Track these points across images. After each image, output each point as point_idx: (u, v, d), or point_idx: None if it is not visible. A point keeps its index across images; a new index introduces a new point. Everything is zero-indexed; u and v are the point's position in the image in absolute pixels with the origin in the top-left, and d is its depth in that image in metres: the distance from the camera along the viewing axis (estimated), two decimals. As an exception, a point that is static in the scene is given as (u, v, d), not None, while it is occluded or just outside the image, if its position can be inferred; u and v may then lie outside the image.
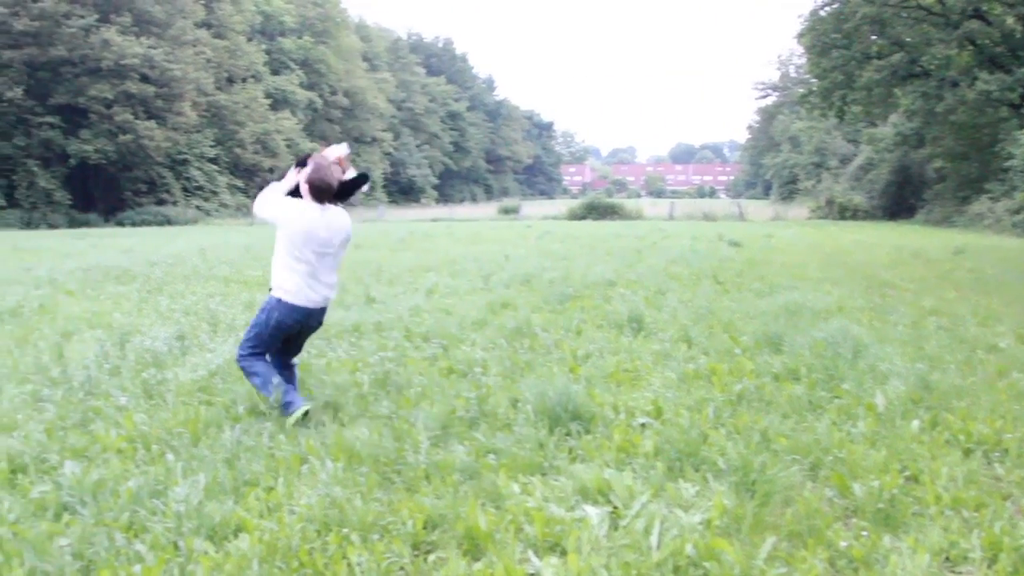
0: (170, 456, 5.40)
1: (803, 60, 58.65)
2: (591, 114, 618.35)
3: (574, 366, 7.68)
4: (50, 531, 4.31)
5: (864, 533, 4.22)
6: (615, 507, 4.51)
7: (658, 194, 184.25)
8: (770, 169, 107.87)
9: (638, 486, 4.74)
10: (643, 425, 5.91)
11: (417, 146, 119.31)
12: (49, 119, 59.28)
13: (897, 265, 18.70)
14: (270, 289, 6.59)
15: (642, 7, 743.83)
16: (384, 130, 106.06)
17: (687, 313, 10.88)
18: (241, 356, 6.55)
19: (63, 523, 4.46)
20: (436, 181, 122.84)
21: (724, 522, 4.30)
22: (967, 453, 5.41)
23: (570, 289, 13.34)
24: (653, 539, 4.07)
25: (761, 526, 4.29)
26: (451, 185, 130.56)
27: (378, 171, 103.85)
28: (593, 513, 4.36)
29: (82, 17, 58.88)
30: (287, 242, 6.41)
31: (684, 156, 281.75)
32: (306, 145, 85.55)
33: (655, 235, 31.33)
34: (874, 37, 34.34)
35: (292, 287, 6.39)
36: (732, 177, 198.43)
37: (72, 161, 60.09)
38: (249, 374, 6.52)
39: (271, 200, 6.57)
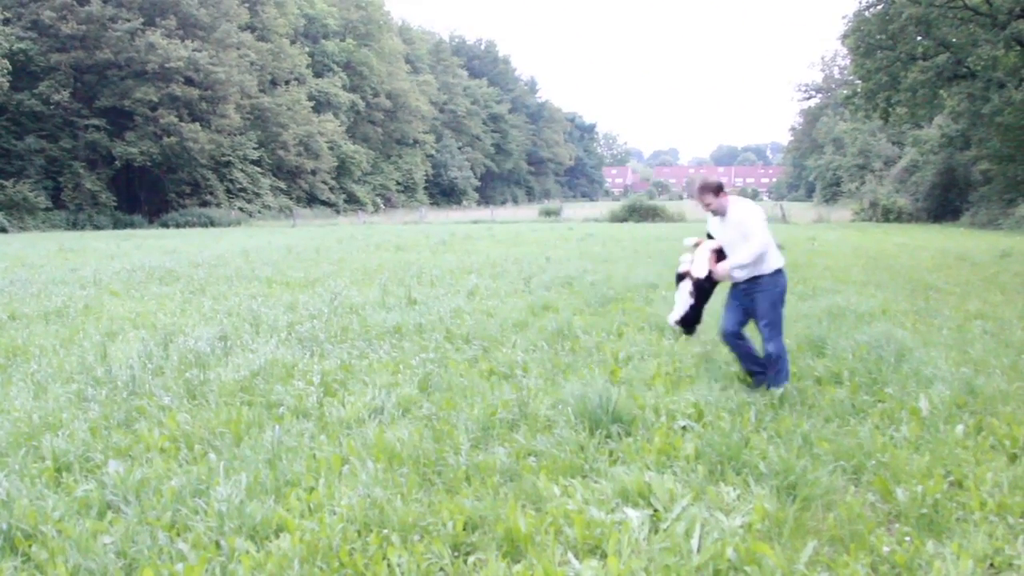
0: (212, 456, 5.43)
1: (847, 61, 58.22)
2: (633, 116, 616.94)
3: (615, 369, 7.66)
4: (94, 529, 4.35)
5: (907, 538, 4.19)
6: (655, 510, 4.50)
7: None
8: (813, 171, 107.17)
9: (679, 489, 4.72)
10: (684, 428, 5.88)
11: (459, 148, 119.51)
12: (95, 122, 59.95)
13: (942, 268, 18.50)
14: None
15: (686, 9, 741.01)
16: (426, 132, 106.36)
17: (729, 316, 10.83)
18: (781, 346, 6.98)
19: (107, 521, 4.51)
20: (477, 183, 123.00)
21: (765, 526, 4.28)
22: (1013, 458, 5.34)
23: (611, 291, 13.30)
24: (694, 542, 4.06)
25: (802, 530, 4.26)
26: (492, 187, 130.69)
27: (420, 173, 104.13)
28: (633, 516, 4.34)
29: (128, 20, 59.50)
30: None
31: (726, 158, 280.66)
32: (348, 147, 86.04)
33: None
34: (919, 38, 34.02)
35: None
36: (775, 179, 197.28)
37: (117, 163, 60.72)
38: (783, 359, 6.95)
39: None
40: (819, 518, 4.42)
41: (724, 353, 8.44)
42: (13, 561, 4.11)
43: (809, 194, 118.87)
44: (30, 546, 4.22)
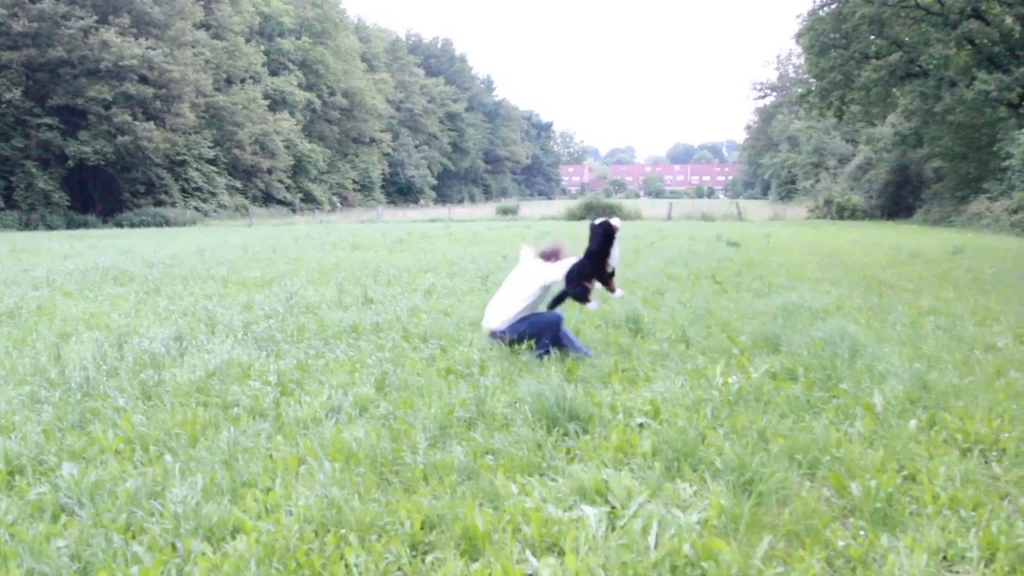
0: (168, 457, 5.40)
1: (802, 60, 58.83)
2: (590, 115, 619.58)
3: (572, 366, 7.68)
4: (48, 532, 4.32)
5: (862, 532, 4.22)
6: (613, 507, 4.51)
7: (656, 194, 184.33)
8: (768, 169, 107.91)
9: (636, 486, 4.74)
10: (641, 425, 5.91)
11: (416, 146, 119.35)
12: (48, 120, 59.33)
13: (895, 265, 18.70)
14: None
15: (641, 8, 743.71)
16: (382, 130, 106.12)
17: (685, 313, 10.88)
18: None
19: (61, 524, 4.47)
20: (434, 182, 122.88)
21: (721, 522, 4.30)
22: (965, 453, 5.41)
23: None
24: (651, 539, 4.08)
25: (758, 526, 4.29)
26: (449, 185, 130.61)
27: (376, 172, 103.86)
28: (591, 513, 4.36)
29: (81, 18, 58.95)
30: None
31: (682, 156, 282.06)
32: (304, 146, 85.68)
33: (653, 235, 31.37)
34: (873, 37, 34.40)
35: None
36: (730, 177, 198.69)
37: (71, 162, 60.15)
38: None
39: None
40: (775, 513, 4.46)
41: (680, 351, 8.50)
42: (-35, 565, 4.06)
43: (765, 192, 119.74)
44: (-18, 551, 4.17)
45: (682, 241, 27.53)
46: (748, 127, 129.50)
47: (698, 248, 23.63)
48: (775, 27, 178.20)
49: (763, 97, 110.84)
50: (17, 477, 5.22)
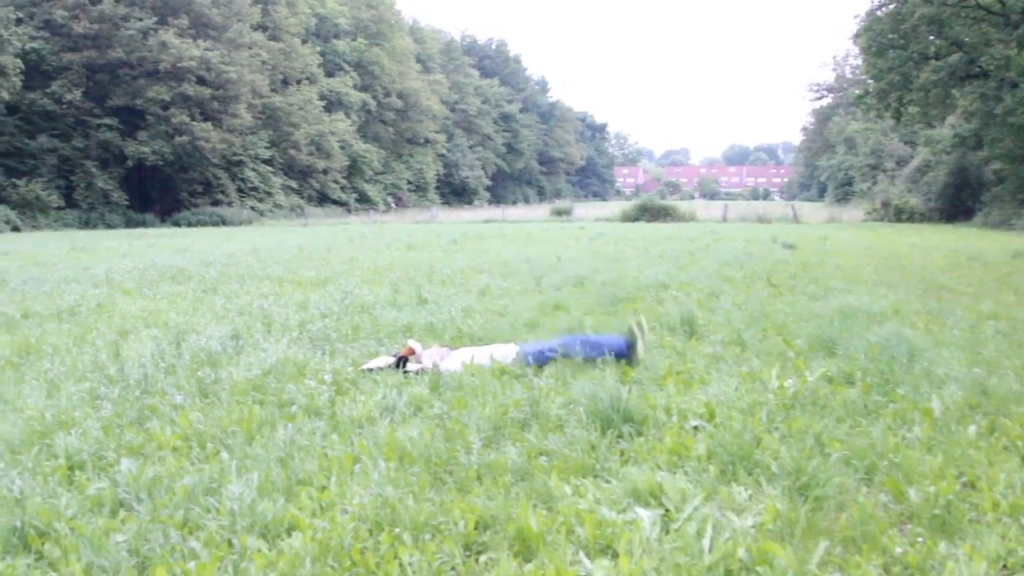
0: (224, 454, 5.44)
1: (859, 61, 58.19)
2: (645, 116, 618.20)
3: (626, 368, 7.65)
4: (106, 527, 4.36)
5: (920, 539, 4.16)
6: (667, 510, 4.48)
7: (711, 196, 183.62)
8: (825, 171, 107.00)
9: (690, 489, 4.70)
10: (695, 428, 5.87)
11: (470, 147, 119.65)
12: (107, 121, 60.20)
13: (954, 268, 18.45)
14: None
15: (698, 8, 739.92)
16: (437, 131, 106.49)
17: (740, 316, 10.80)
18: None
19: (119, 519, 4.51)
20: (489, 182, 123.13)
21: (777, 526, 4.26)
22: (1025, 459, 5.33)
23: (622, 291, 13.29)
24: (705, 542, 4.05)
25: (814, 531, 4.24)
26: (504, 186, 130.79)
27: (431, 172, 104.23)
28: (645, 516, 4.33)
29: (140, 20, 59.74)
30: None
31: (738, 158, 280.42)
32: (360, 147, 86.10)
33: (708, 237, 31.17)
34: (932, 37, 34.01)
35: None
36: (786, 179, 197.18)
37: (129, 162, 60.98)
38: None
39: None
40: (831, 518, 4.41)
41: (735, 353, 8.44)
42: (26, 559, 4.11)
43: (821, 194, 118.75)
44: (43, 544, 4.22)
45: (737, 243, 27.34)
46: (804, 128, 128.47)
47: (753, 250, 23.45)
48: (832, 28, 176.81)
49: (820, 98, 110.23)
50: (77, 472, 5.29)
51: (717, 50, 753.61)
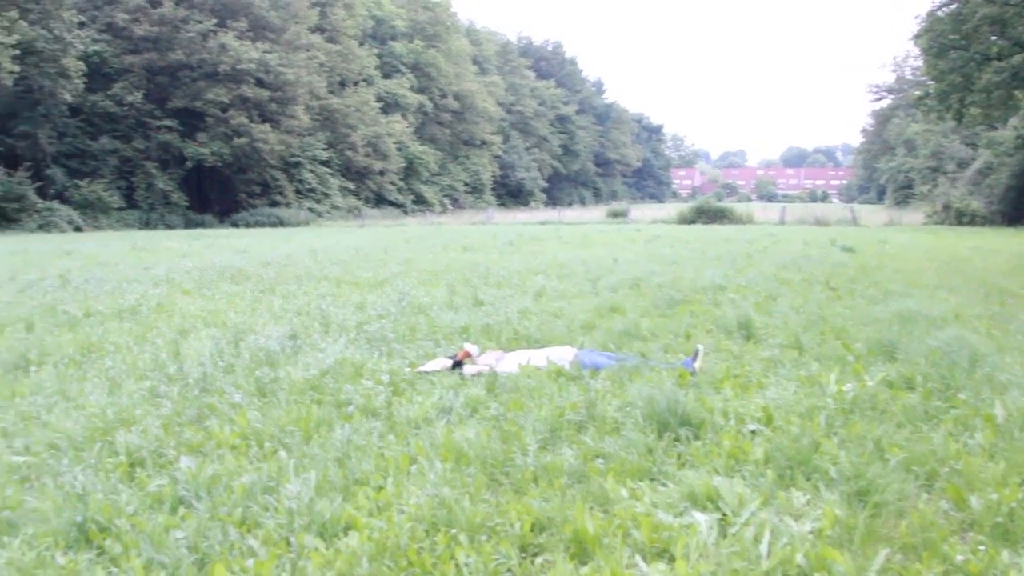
0: (282, 453, 5.49)
1: (919, 62, 57.54)
2: (701, 117, 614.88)
3: (683, 371, 7.62)
4: (167, 524, 4.41)
5: (981, 547, 4.10)
6: (724, 514, 4.46)
7: (769, 198, 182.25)
8: (884, 173, 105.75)
9: (748, 494, 4.67)
10: (753, 432, 5.83)
11: (526, 149, 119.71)
12: (167, 122, 60.95)
13: (1017, 272, 18.18)
14: None
15: (755, 8, 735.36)
16: (493, 133, 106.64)
17: (798, 319, 10.72)
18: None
19: (179, 516, 4.57)
20: (545, 184, 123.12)
21: (836, 532, 4.22)
22: (1091, 467, 5.24)
23: (679, 294, 13.23)
24: (763, 547, 4.02)
25: (874, 537, 4.20)
26: (560, 188, 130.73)
27: (487, 174, 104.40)
28: (702, 520, 4.31)
29: (200, 22, 60.41)
30: None
31: (796, 160, 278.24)
32: (416, 148, 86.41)
33: (765, 240, 30.94)
34: (994, 38, 33.49)
35: None
36: (845, 181, 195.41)
37: (189, 163, 61.70)
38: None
39: None
40: (891, 525, 4.36)
41: (793, 357, 8.38)
42: (88, 554, 4.18)
43: (880, 196, 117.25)
44: (104, 539, 4.28)
45: (795, 246, 27.12)
46: (864, 130, 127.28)
47: (811, 253, 23.25)
48: (893, 28, 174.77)
49: (879, 99, 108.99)
50: (138, 469, 5.36)
51: (775, 51, 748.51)
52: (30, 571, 3.96)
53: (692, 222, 53.48)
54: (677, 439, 5.68)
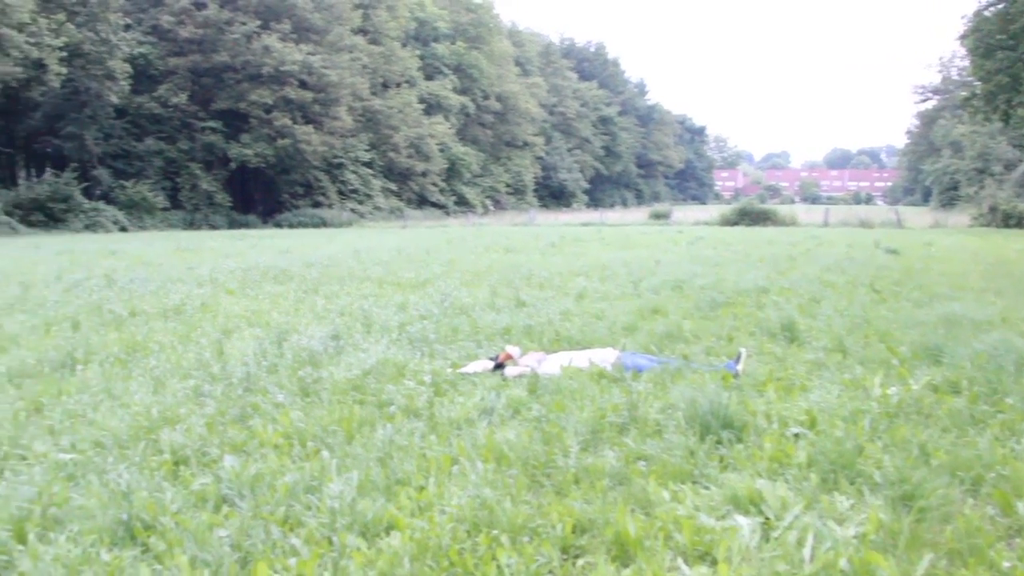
0: (325, 453, 5.51)
1: (966, 62, 56.92)
2: (744, 118, 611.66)
3: (726, 374, 7.58)
4: (210, 522, 4.44)
5: (1029, 554, 4.07)
6: (767, 518, 4.43)
7: (812, 200, 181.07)
8: (930, 175, 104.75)
9: (791, 497, 4.65)
10: (796, 435, 5.79)
11: (568, 150, 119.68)
12: (211, 124, 61.47)
13: (1065, 275, 17.97)
14: None
15: (798, 9, 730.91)
16: (536, 134, 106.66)
17: (842, 322, 10.63)
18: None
19: (222, 515, 4.60)
20: (587, 185, 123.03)
21: (880, 537, 4.19)
22: None
23: (721, 296, 13.17)
24: (806, 551, 3.99)
25: (919, 543, 4.16)
26: (602, 189, 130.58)
27: (529, 175, 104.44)
28: (744, 523, 4.29)
29: (244, 24, 60.84)
30: None
31: (840, 161, 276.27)
32: (458, 149, 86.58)
33: (809, 242, 30.75)
34: (1042, 38, 33.11)
35: None
36: (890, 183, 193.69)
37: (233, 164, 62.17)
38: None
39: None
40: (936, 531, 4.32)
41: (837, 360, 8.31)
42: (133, 551, 4.21)
43: (925, 198, 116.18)
44: (149, 536, 4.32)
45: (839, 248, 26.94)
46: (909, 131, 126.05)
47: (855, 255, 23.09)
48: (939, 28, 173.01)
49: (925, 100, 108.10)
50: (182, 467, 5.40)
51: (819, 51, 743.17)
52: (76, 567, 3.99)
53: (735, 224, 53.24)
54: (719, 442, 5.65)
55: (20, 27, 46.24)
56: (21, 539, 4.34)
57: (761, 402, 6.57)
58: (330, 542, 4.25)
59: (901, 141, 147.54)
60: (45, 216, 51.04)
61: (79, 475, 5.26)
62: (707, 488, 4.89)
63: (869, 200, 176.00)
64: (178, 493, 4.88)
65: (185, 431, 6.00)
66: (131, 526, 4.42)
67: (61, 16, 50.72)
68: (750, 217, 54.58)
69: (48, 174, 53.79)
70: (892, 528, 4.25)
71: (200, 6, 61.20)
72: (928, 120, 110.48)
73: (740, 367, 7.72)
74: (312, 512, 4.57)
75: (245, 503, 4.71)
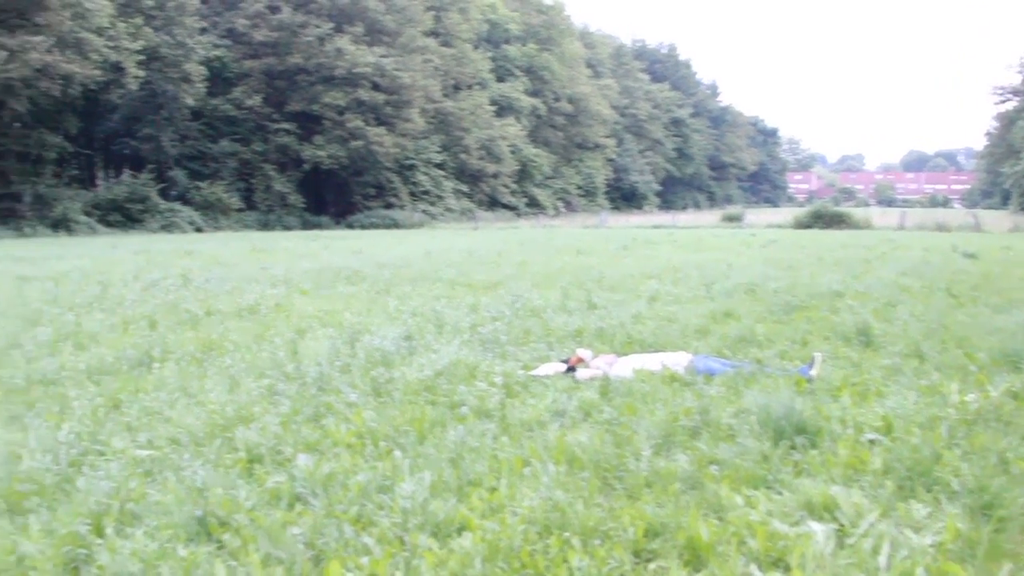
0: (397, 453, 5.54)
1: (1048, 63, 55.84)
2: (818, 120, 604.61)
3: (800, 379, 7.51)
4: (284, 520, 4.49)
5: (1114, 566, 3.98)
6: (841, 525, 4.38)
7: (888, 203, 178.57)
8: (1009, 178, 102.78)
9: (866, 504, 4.58)
10: (872, 441, 5.71)
11: (640, 152, 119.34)
12: (285, 125, 62.13)
13: None
14: None
15: (875, 7, 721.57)
16: (607, 136, 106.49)
17: (919, 327, 10.47)
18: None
19: (296, 513, 4.64)
20: (658, 188, 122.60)
21: (957, 546, 4.12)
22: None
23: (795, 299, 13.04)
24: (882, 560, 3.94)
25: (998, 553, 4.08)
26: (673, 192, 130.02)
27: (600, 177, 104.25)
28: (819, 530, 4.24)
29: (317, 27, 61.46)
30: None
31: (916, 164, 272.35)
32: (530, 151, 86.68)
33: (884, 245, 30.35)
34: None
35: None
36: (967, 186, 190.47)
37: (306, 166, 62.81)
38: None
39: None
40: (1016, 540, 4.24)
41: (914, 366, 8.19)
42: (208, 547, 4.26)
43: (1004, 202, 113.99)
44: (224, 533, 4.37)
45: (915, 252, 26.56)
46: (988, 133, 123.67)
47: (932, 259, 22.75)
48: (1019, 28, 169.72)
49: (1004, 102, 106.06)
50: (256, 465, 5.46)
51: (895, 52, 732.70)
52: (152, 562, 4.04)
53: (808, 227, 52.68)
54: (793, 447, 5.60)
55: (99, 31, 47.19)
56: (99, 533, 4.41)
57: (836, 407, 6.48)
58: (402, 542, 4.27)
59: (979, 143, 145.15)
60: (123, 216, 51.97)
61: (156, 471, 5.34)
62: (780, 493, 4.84)
63: (946, 203, 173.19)
64: (252, 491, 4.93)
65: (260, 429, 6.06)
66: (206, 522, 4.47)
67: (139, 20, 51.63)
68: (824, 220, 53.96)
69: (126, 175, 54.83)
70: (970, 537, 4.18)
71: (274, 9, 61.88)
72: (1008, 122, 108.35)
73: (814, 372, 7.64)
74: (384, 511, 4.59)
75: (318, 501, 4.75)
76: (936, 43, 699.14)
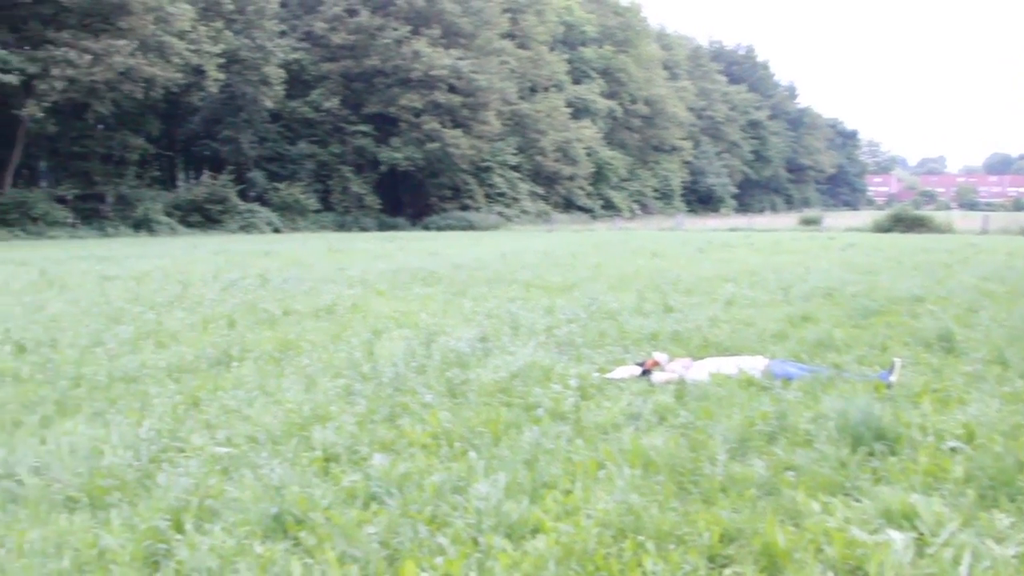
0: (472, 454, 5.55)
1: None
2: (898, 122, 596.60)
3: (879, 384, 7.40)
4: (359, 519, 4.52)
5: None
6: (921, 534, 4.30)
7: (970, 206, 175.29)
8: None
9: (947, 513, 4.50)
10: (953, 449, 5.61)
11: (716, 154, 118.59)
12: (362, 127, 62.68)
13: None
14: None
15: (957, 8, 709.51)
16: (683, 138, 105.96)
17: (1002, 333, 10.25)
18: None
19: (371, 512, 4.67)
20: (735, 190, 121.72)
21: (1043, 558, 4.03)
22: None
23: (874, 304, 12.85)
24: (963, 570, 3.87)
25: (1085, 565, 3.99)
26: (750, 194, 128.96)
27: (677, 179, 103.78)
28: (898, 538, 4.17)
29: (395, 30, 61.91)
30: None
31: (1000, 166, 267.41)
32: (605, 154, 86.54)
33: (966, 250, 29.80)
34: None
35: None
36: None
37: (383, 167, 63.32)
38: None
39: None
40: (1103, 553, 4.14)
41: (997, 373, 8.04)
42: (284, 544, 4.30)
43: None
44: (300, 531, 4.42)
45: (998, 256, 26.04)
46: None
47: (1016, 264, 22.29)
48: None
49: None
50: (332, 464, 5.50)
51: (978, 52, 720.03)
52: (230, 558, 4.10)
53: (888, 230, 51.90)
54: (872, 454, 5.52)
55: (181, 35, 48.03)
56: (179, 528, 4.48)
57: (916, 414, 6.38)
58: (476, 542, 4.27)
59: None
60: (202, 217, 52.86)
61: (233, 469, 5.40)
62: (859, 501, 4.78)
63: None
64: (328, 489, 4.96)
65: (336, 429, 6.11)
66: (283, 520, 4.52)
67: (219, 24, 52.45)
68: (904, 224, 53.12)
69: (205, 176, 55.74)
70: (1056, 549, 4.09)
71: (352, 12, 62.46)
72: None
73: (894, 378, 7.53)
74: (459, 512, 4.60)
75: (393, 501, 4.77)
76: (1020, 44, 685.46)
